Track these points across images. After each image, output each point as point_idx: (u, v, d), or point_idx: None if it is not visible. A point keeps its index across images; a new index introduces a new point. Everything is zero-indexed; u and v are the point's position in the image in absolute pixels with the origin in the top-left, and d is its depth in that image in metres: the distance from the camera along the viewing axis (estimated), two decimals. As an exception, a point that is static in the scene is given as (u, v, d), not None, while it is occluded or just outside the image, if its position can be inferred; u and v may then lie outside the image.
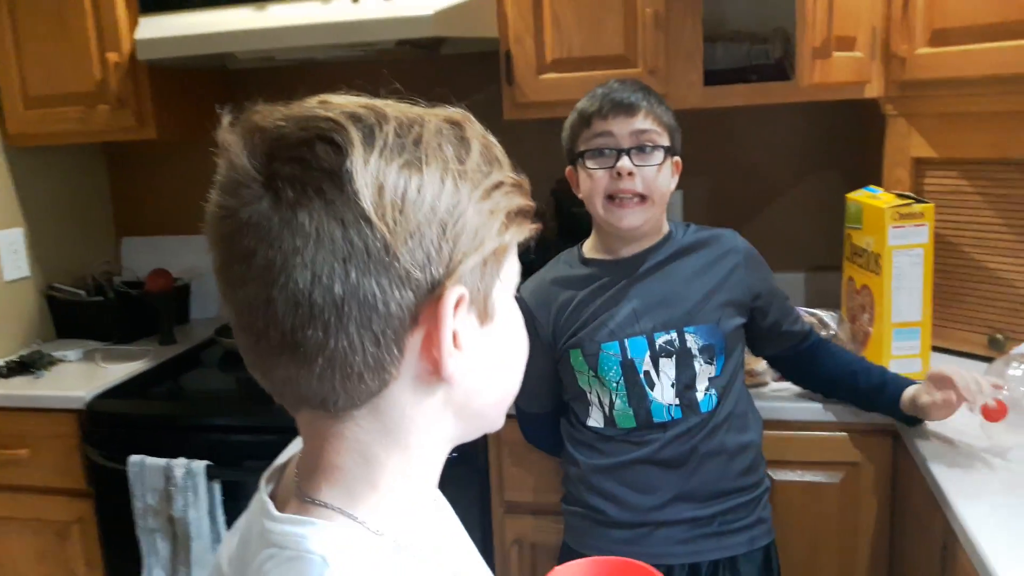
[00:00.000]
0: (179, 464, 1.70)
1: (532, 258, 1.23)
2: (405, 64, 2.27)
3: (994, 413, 1.32)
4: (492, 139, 0.63)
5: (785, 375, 1.64)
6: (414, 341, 0.57)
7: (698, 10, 1.79)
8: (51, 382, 1.99)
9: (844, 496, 1.60)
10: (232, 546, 0.65)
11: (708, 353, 1.41)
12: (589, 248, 1.49)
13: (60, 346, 2.22)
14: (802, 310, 1.78)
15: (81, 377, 2.02)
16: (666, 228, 1.46)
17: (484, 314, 0.61)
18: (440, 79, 2.25)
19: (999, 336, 1.66)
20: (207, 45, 1.89)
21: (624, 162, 1.35)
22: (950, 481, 1.24)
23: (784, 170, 2.19)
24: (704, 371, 1.40)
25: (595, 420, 1.44)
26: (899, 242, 1.60)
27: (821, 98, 1.77)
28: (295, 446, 0.68)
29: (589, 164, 1.38)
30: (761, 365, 1.67)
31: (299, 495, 0.61)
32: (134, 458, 1.73)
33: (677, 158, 1.44)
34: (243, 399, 2.00)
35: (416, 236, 0.55)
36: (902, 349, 1.64)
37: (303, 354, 0.56)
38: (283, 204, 0.54)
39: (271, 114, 0.59)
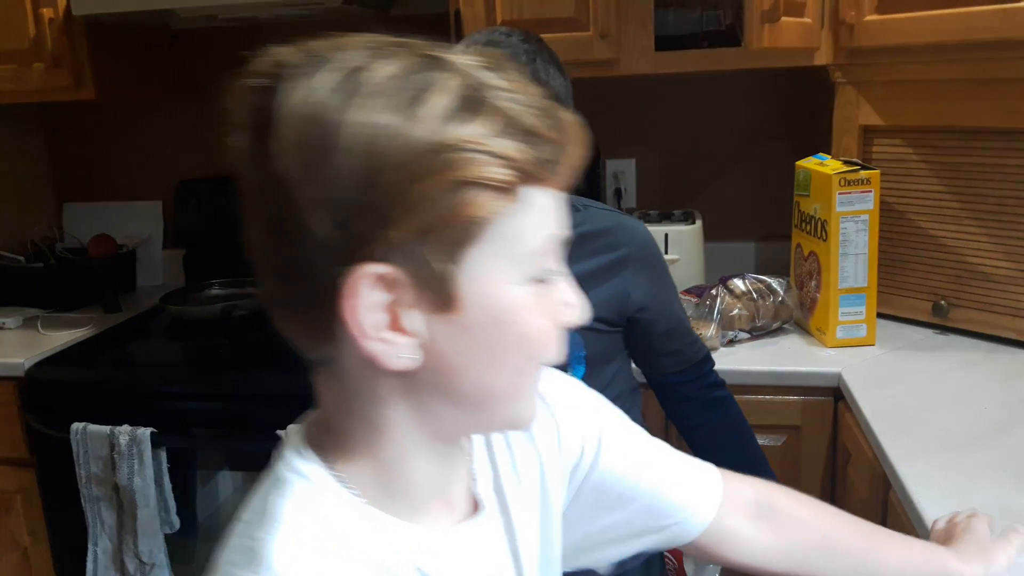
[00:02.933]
0: (123, 431, 1.67)
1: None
2: (354, 25, 2.21)
3: None
4: (503, 92, 0.53)
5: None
6: (339, 312, 0.52)
7: (651, -26, 1.78)
8: (-11, 349, 1.94)
9: (786, 459, 1.62)
10: None
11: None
12: None
13: (-1, 313, 2.16)
14: (751, 277, 1.80)
15: (20, 344, 1.97)
16: None
17: (441, 302, 0.53)
18: (390, 41, 2.22)
19: (943, 303, 1.69)
20: (143, 0, 1.83)
21: None
22: (891, 443, 1.27)
23: (735, 139, 2.20)
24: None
25: None
26: (845, 208, 1.62)
27: (771, 64, 1.77)
28: None
29: None
30: (710, 330, 1.68)
31: (307, 433, 0.61)
32: (76, 425, 1.69)
33: None
34: (189, 366, 1.97)
35: (328, 196, 0.50)
36: (848, 315, 1.67)
37: (269, 303, 0.56)
38: (237, 150, 0.54)
39: (269, 55, 0.55)
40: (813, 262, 1.71)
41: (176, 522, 1.74)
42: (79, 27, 1.96)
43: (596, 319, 1.21)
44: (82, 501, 1.74)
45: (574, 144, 0.55)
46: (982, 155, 1.59)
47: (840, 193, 1.61)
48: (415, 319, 0.53)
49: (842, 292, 1.66)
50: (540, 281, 0.56)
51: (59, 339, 1.98)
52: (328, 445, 0.59)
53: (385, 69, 0.51)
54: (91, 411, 1.72)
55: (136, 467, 1.67)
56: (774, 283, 1.79)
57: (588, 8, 1.80)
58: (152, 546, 1.71)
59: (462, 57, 0.54)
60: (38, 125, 2.46)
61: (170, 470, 1.71)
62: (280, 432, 1.60)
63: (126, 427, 1.67)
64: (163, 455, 1.69)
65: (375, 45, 0.54)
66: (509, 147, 0.51)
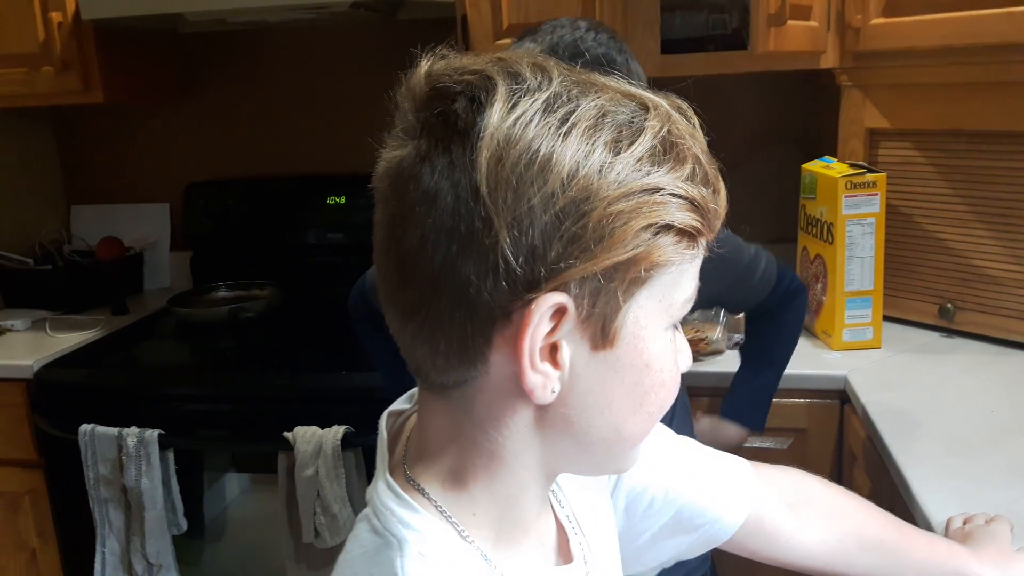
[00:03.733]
0: (131, 433, 1.67)
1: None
2: (361, 28, 2.23)
3: None
4: (690, 138, 0.53)
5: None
6: (504, 339, 0.52)
7: (657, -23, 1.78)
8: (-2, 351, 1.95)
9: (792, 462, 1.60)
10: None
11: None
12: None
13: (7, 315, 2.16)
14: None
15: (29, 346, 1.97)
16: None
17: (599, 338, 0.53)
18: (396, 44, 2.22)
19: (949, 306, 1.69)
20: (152, 3, 1.84)
21: None
22: (897, 446, 1.27)
23: (741, 142, 2.20)
24: None
25: None
26: (851, 211, 1.62)
27: (777, 67, 1.77)
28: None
29: None
30: (716, 333, 1.68)
31: (403, 468, 0.60)
32: (84, 427, 1.70)
33: None
34: (197, 368, 1.98)
35: (524, 222, 0.49)
36: (854, 318, 1.67)
37: (401, 313, 0.55)
38: (418, 156, 0.52)
39: (449, 61, 0.55)
40: (819, 265, 1.71)
41: (184, 523, 1.74)
42: (88, 31, 1.97)
43: None
44: (90, 502, 1.74)
45: (723, 191, 0.56)
46: (989, 158, 1.59)
47: (846, 196, 1.61)
48: (572, 354, 0.53)
49: (848, 295, 1.66)
50: (675, 328, 0.57)
51: (67, 341, 1.98)
52: (440, 487, 0.58)
53: (593, 103, 0.51)
54: (99, 413, 1.73)
55: (144, 468, 1.68)
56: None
57: (594, 12, 1.80)
58: (159, 547, 1.72)
59: (655, 98, 0.54)
60: (47, 128, 2.47)
61: (177, 472, 1.71)
62: (287, 434, 1.61)
63: (134, 429, 1.68)
64: (171, 457, 1.70)
65: (570, 74, 0.54)
66: (700, 195, 0.52)
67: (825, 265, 1.69)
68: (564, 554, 0.66)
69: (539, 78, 0.52)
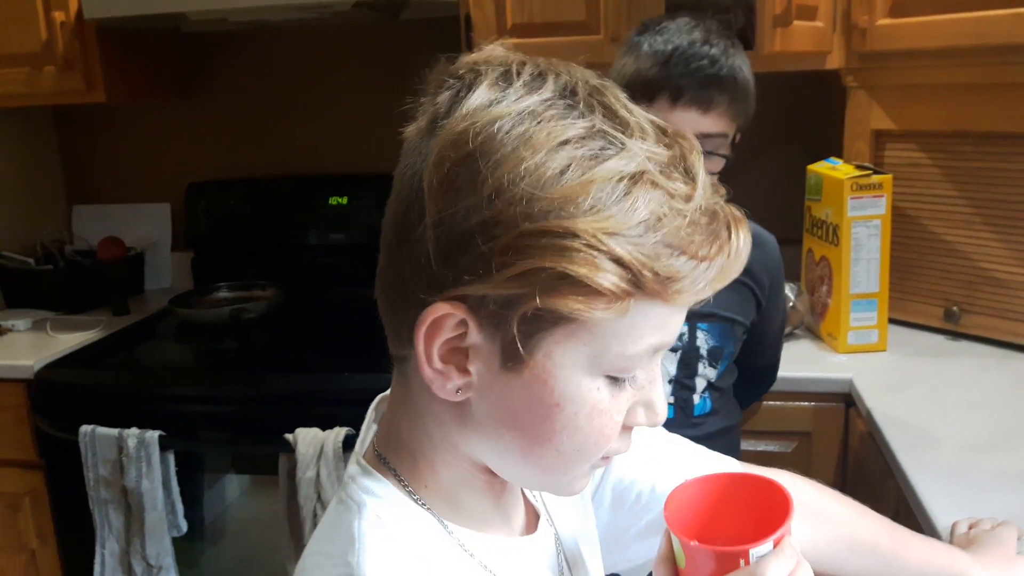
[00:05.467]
0: (132, 434, 1.66)
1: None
2: (363, 28, 2.22)
3: None
4: (666, 193, 0.49)
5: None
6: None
7: (661, -23, 1.77)
8: (-2, 351, 1.95)
9: (797, 466, 1.60)
10: None
11: (715, 356, 1.32)
12: None
13: (8, 315, 2.15)
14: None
15: (30, 346, 1.97)
16: None
17: (507, 361, 0.52)
18: (399, 44, 2.22)
19: (955, 308, 1.68)
20: (155, 3, 1.84)
21: None
22: (903, 449, 1.26)
23: (746, 143, 2.18)
24: (705, 374, 1.32)
25: None
26: (857, 213, 1.61)
27: (782, 68, 1.76)
28: None
29: None
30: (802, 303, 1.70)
31: (374, 442, 0.62)
32: (85, 428, 1.69)
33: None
34: (197, 369, 1.98)
35: (447, 224, 0.49)
36: (860, 320, 1.66)
37: (379, 272, 0.57)
38: (409, 134, 0.55)
39: (479, 53, 0.55)
40: (824, 267, 1.70)
41: (183, 525, 1.73)
42: (90, 30, 1.96)
43: (743, 326, 1.33)
44: (90, 503, 1.73)
45: (731, 262, 0.51)
46: (996, 160, 1.58)
47: (852, 198, 1.60)
48: (480, 365, 0.53)
49: (854, 297, 1.65)
50: (617, 380, 0.54)
51: (68, 341, 1.98)
52: (396, 458, 0.60)
53: (565, 127, 0.49)
54: (100, 414, 1.72)
55: (144, 470, 1.67)
56: (786, 289, 1.78)
57: (599, 11, 1.79)
58: (159, 549, 1.71)
59: (648, 145, 0.50)
60: (49, 128, 2.47)
61: (178, 473, 1.71)
62: (288, 436, 1.60)
63: (134, 430, 1.67)
64: (171, 458, 1.69)
65: (576, 86, 0.52)
66: (638, 257, 0.48)
67: (831, 267, 1.68)
68: (531, 530, 0.68)
69: (532, 85, 0.51)
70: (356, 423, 1.57)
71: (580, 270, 0.48)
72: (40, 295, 2.22)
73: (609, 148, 0.49)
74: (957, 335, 1.70)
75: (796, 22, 1.60)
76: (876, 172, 1.62)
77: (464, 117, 0.50)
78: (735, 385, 1.42)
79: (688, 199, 0.50)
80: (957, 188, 1.65)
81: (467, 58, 0.54)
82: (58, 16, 1.94)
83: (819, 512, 0.86)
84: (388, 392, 0.67)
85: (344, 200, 2.23)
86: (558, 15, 1.81)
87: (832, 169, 1.68)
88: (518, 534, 0.66)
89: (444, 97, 0.52)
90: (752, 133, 2.16)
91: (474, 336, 0.52)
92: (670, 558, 0.59)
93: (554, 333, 0.51)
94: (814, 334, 1.78)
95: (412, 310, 0.53)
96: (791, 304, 1.75)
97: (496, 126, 0.49)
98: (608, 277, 0.48)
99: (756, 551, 0.56)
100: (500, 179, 0.48)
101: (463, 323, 0.51)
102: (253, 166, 2.36)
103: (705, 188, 0.51)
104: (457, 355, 0.53)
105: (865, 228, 1.62)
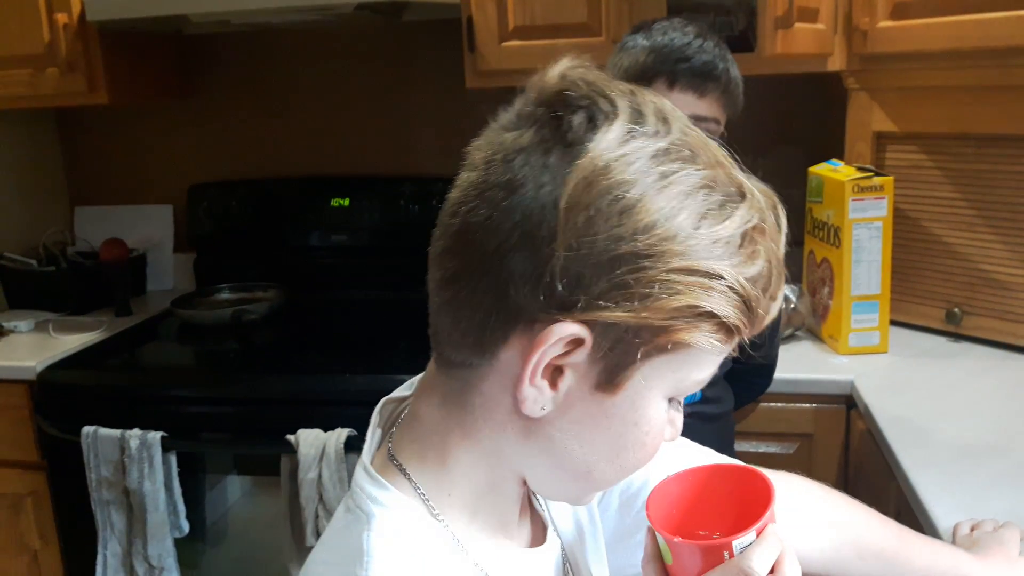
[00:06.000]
0: (134, 435, 1.67)
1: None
2: (365, 31, 2.23)
3: None
4: (771, 240, 0.55)
5: None
6: (520, 342, 0.54)
7: (662, -20, 1.77)
8: (1, 352, 1.95)
9: (798, 467, 1.60)
10: None
11: None
12: None
13: (11, 316, 2.16)
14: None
15: (32, 347, 1.97)
16: None
17: (604, 382, 0.54)
18: (401, 47, 2.22)
19: (957, 310, 1.68)
20: (158, 5, 1.84)
21: None
22: (904, 451, 1.26)
23: (747, 145, 2.17)
24: None
25: None
26: (859, 215, 1.61)
27: (784, 70, 1.76)
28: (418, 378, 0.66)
29: None
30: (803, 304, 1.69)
31: (388, 447, 0.62)
32: (87, 429, 1.69)
33: None
34: (199, 371, 1.98)
35: (584, 249, 0.50)
36: (861, 322, 1.66)
37: (441, 277, 0.56)
38: (518, 144, 0.54)
39: (587, 71, 0.56)
40: (826, 269, 1.70)
41: (185, 526, 1.74)
42: (93, 32, 1.96)
43: None
44: (92, 504, 1.74)
45: (779, 301, 0.57)
46: (997, 162, 1.58)
47: (853, 199, 1.60)
48: (572, 384, 0.55)
49: (855, 299, 1.65)
50: (675, 401, 0.59)
51: (70, 342, 1.98)
52: (419, 464, 0.60)
53: (698, 172, 0.52)
54: (102, 415, 1.72)
55: (146, 471, 1.67)
56: (786, 290, 1.78)
57: (600, 14, 1.80)
58: (161, 550, 1.71)
59: (756, 189, 0.56)
60: (51, 129, 2.47)
61: (179, 474, 1.71)
62: (290, 437, 1.60)
63: (136, 431, 1.67)
64: (173, 459, 1.70)
65: (688, 135, 0.55)
66: (754, 297, 0.53)
67: (832, 269, 1.68)
68: (538, 541, 0.68)
69: (659, 126, 0.53)
70: (358, 424, 1.58)
71: (724, 310, 0.52)
72: (42, 296, 2.23)
73: (731, 197, 0.53)
74: (958, 337, 1.70)
75: (797, 24, 1.60)
76: (877, 174, 1.62)
77: (609, 147, 0.51)
78: (728, 379, 1.42)
79: (779, 245, 0.56)
80: (958, 190, 1.65)
81: (574, 74, 0.55)
82: (61, 18, 1.94)
83: (828, 516, 0.86)
84: (394, 395, 0.68)
85: (346, 202, 2.23)
86: (560, 17, 1.82)
87: (833, 171, 1.68)
88: (527, 543, 0.67)
89: (578, 119, 0.53)
90: (753, 134, 2.17)
91: (580, 356, 0.53)
92: (657, 556, 0.60)
93: (660, 359, 0.54)
94: (815, 336, 1.78)
95: (515, 324, 0.53)
96: (792, 306, 1.76)
97: (640, 163, 0.51)
98: (739, 316, 0.53)
99: (739, 542, 0.57)
100: (652, 214, 0.51)
101: (574, 342, 0.52)
102: (255, 168, 2.36)
103: (786, 235, 0.57)
104: (549, 371, 0.54)
105: (866, 230, 1.62)
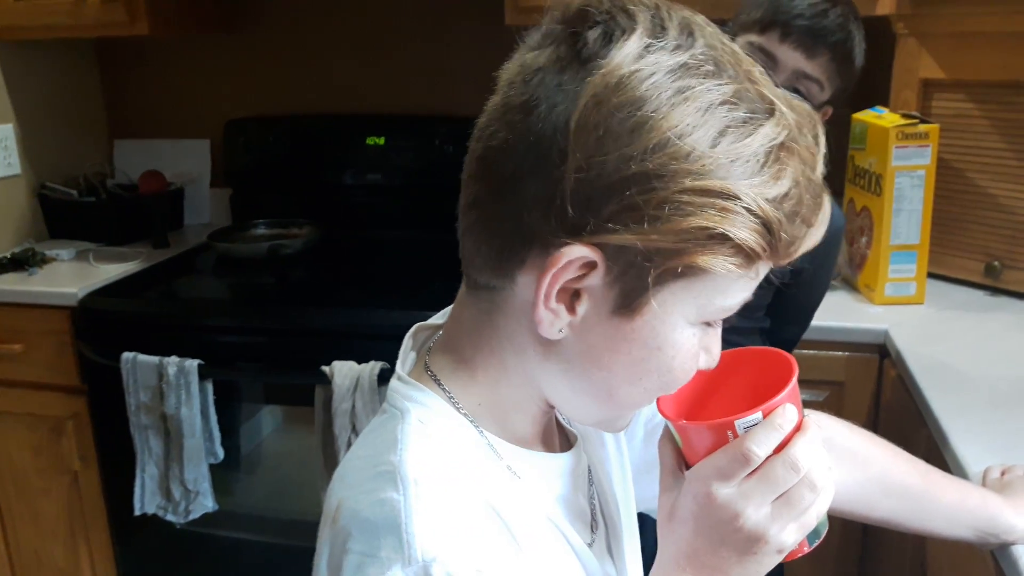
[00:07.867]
0: (172, 362, 1.70)
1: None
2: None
3: None
4: (802, 161, 0.52)
5: None
6: (535, 265, 0.53)
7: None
8: (44, 279, 1.99)
9: (828, 414, 1.61)
10: None
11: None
12: None
13: (52, 246, 2.20)
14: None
15: (74, 275, 2.01)
16: None
17: (621, 306, 0.53)
18: (441, -18, 2.19)
19: (996, 264, 1.65)
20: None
21: None
22: (937, 398, 1.25)
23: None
24: None
25: None
26: (901, 163, 1.59)
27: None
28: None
29: None
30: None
31: (425, 359, 0.63)
32: (127, 355, 1.73)
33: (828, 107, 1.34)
34: (236, 302, 2.01)
35: (594, 170, 0.49)
36: (899, 272, 1.64)
37: (465, 202, 0.57)
38: (536, 64, 0.53)
39: None
40: (865, 218, 1.68)
41: (220, 452, 1.78)
42: (134, -39, 1.96)
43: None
44: (131, 428, 1.78)
45: (820, 229, 0.54)
46: (1048, 112, 1.55)
47: (897, 147, 1.57)
48: (590, 307, 0.54)
49: (893, 249, 1.63)
50: (706, 326, 0.57)
51: (110, 272, 2.01)
52: (451, 375, 0.61)
53: (720, 87, 0.50)
54: (141, 341, 1.76)
55: (183, 397, 1.71)
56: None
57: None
58: (197, 474, 1.76)
59: (790, 107, 0.52)
60: (92, 61, 2.48)
61: (216, 404, 1.75)
62: (324, 368, 1.62)
63: (174, 358, 1.71)
64: (209, 387, 1.73)
65: (715, 49, 0.52)
66: (778, 220, 0.51)
67: (871, 217, 1.66)
68: (565, 448, 0.69)
69: (681, 39, 0.51)
70: (391, 358, 1.59)
71: (740, 233, 0.50)
72: (83, 227, 2.26)
73: (757, 114, 0.51)
74: (996, 291, 1.68)
75: (848, -36, 1.56)
76: (923, 121, 1.59)
77: (622, 62, 0.49)
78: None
79: (815, 167, 0.53)
80: (1006, 140, 1.61)
81: None
82: (103, -53, 1.94)
83: (852, 453, 0.86)
84: (429, 321, 0.69)
85: (381, 140, 2.23)
86: None
87: (878, 118, 1.65)
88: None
89: (594, 35, 0.51)
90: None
91: (595, 279, 0.53)
92: (671, 437, 0.61)
93: (676, 283, 0.52)
94: (851, 285, 1.76)
95: (530, 247, 0.53)
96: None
97: (655, 78, 0.49)
98: (757, 240, 0.51)
99: (742, 422, 0.56)
100: (663, 132, 0.49)
101: (587, 266, 0.52)
102: (293, 103, 2.37)
103: (824, 156, 0.54)
104: (567, 295, 0.54)
105: (909, 178, 1.60)
